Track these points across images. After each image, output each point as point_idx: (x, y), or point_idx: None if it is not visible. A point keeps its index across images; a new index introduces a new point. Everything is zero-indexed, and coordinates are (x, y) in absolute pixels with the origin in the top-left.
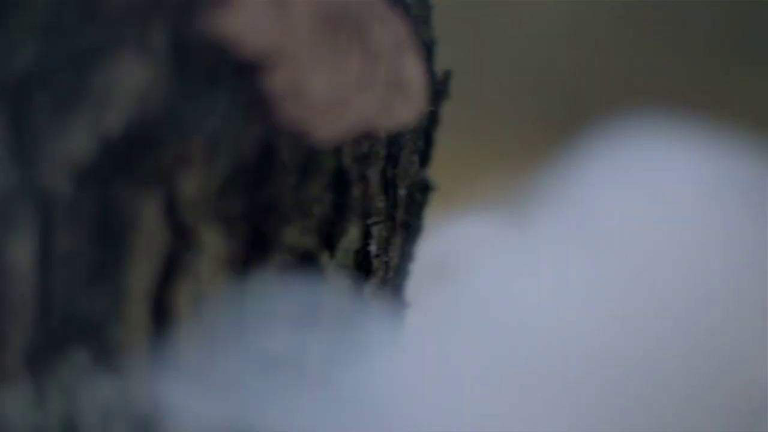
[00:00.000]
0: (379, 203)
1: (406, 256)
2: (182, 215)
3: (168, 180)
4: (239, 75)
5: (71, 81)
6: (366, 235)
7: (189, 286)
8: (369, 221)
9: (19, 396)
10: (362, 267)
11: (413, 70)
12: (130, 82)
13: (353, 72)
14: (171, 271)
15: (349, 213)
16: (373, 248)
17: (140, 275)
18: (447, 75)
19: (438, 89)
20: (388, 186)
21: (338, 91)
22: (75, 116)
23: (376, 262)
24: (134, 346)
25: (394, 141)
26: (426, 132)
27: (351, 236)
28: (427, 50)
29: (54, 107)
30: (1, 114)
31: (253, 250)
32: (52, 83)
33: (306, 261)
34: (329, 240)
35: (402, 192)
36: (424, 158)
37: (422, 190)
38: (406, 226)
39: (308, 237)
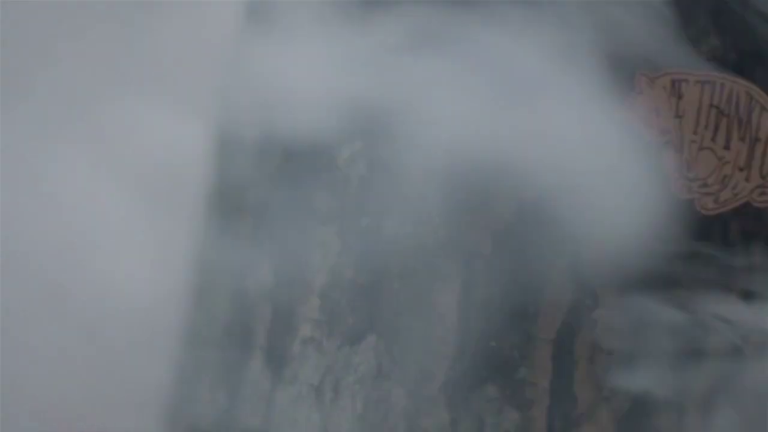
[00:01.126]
0: None
1: None
2: (585, 275)
3: (575, 246)
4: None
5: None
6: None
7: (587, 336)
8: None
9: (436, 422)
10: None
11: None
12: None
13: (734, 153)
14: (572, 321)
15: None
16: None
17: (547, 324)
18: None
19: None
20: None
21: (720, 169)
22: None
23: None
24: (538, 385)
25: None
26: None
27: None
28: None
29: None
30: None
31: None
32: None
33: None
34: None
35: None
36: None
37: None
38: None
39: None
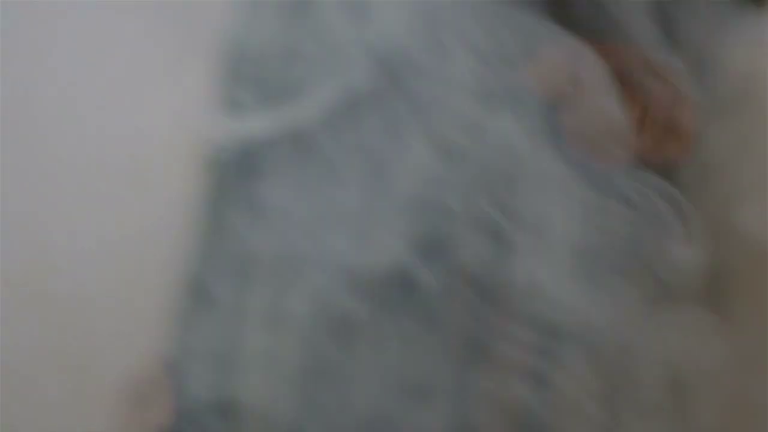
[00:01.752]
0: None
1: None
2: None
3: None
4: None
5: None
6: None
7: None
8: None
9: None
10: None
11: (685, 119)
12: None
13: (629, 116)
14: None
15: None
16: None
17: None
18: None
19: None
20: None
21: (614, 130)
22: None
23: None
24: None
25: None
26: None
27: None
28: None
29: None
30: None
31: None
32: None
33: None
34: None
35: None
36: None
37: None
38: None
39: None
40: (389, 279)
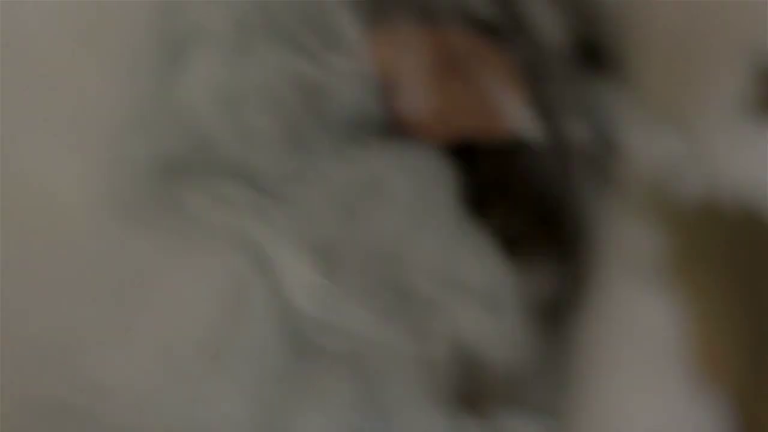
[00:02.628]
0: None
1: None
2: None
3: None
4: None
5: None
6: None
7: None
8: None
9: None
10: None
11: (508, 96)
12: None
13: (456, 95)
14: None
15: None
16: None
17: None
18: None
19: None
20: None
21: (444, 110)
22: None
23: None
24: None
25: None
26: None
27: None
28: None
29: None
30: None
31: None
32: None
33: None
34: None
35: None
36: None
37: None
38: None
39: None
40: None
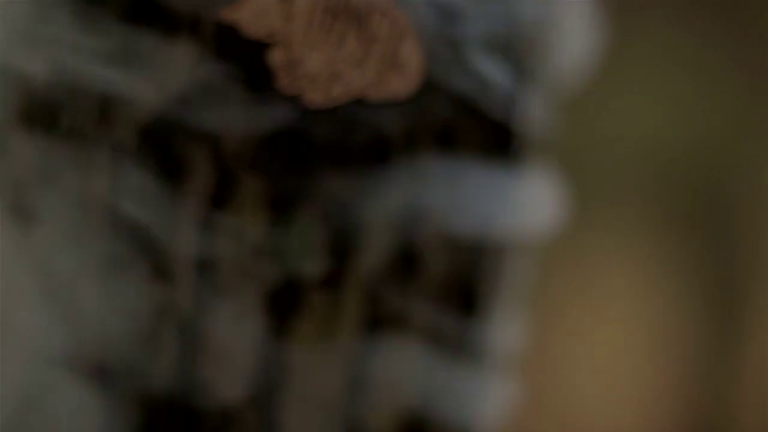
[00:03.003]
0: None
1: None
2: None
3: (213, 139)
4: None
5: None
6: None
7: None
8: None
9: None
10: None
11: (410, 52)
12: (184, 61)
13: (348, 51)
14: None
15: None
16: None
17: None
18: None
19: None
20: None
21: (331, 65)
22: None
23: None
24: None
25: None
26: None
27: None
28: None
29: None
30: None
31: (294, 195)
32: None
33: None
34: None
35: None
36: None
37: None
38: None
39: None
40: None
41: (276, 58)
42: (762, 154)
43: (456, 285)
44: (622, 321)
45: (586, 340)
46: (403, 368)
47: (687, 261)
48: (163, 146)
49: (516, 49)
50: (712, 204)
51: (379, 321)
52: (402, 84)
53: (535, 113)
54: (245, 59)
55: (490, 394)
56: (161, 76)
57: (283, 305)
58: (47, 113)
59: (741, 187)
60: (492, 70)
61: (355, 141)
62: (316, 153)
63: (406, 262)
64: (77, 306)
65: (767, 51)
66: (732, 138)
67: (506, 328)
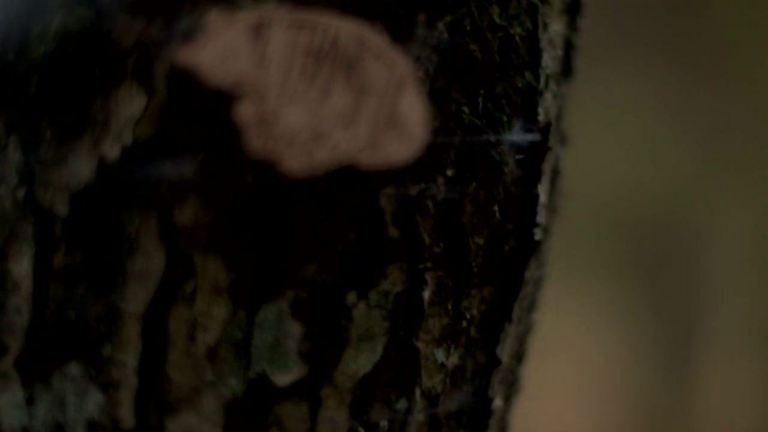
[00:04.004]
0: (435, 248)
1: (500, 314)
2: (177, 242)
3: (163, 207)
4: (211, 106)
5: (74, 110)
6: (416, 280)
7: (183, 312)
8: (420, 266)
9: (9, 398)
10: (407, 314)
11: (411, 107)
12: (127, 111)
13: (334, 107)
14: (165, 296)
15: (385, 254)
16: (425, 294)
17: (134, 296)
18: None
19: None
20: (451, 232)
21: (314, 124)
22: (76, 143)
23: (431, 310)
24: (126, 365)
25: (453, 184)
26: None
27: (391, 278)
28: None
29: (57, 134)
30: (12, 138)
31: (261, 282)
32: (56, 112)
33: (327, 298)
34: (360, 279)
35: (478, 241)
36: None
37: (523, 239)
38: (497, 280)
39: (329, 274)
40: None
41: (245, 112)
42: (719, 204)
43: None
44: (576, 364)
45: (540, 381)
46: None
47: (641, 306)
48: (101, 217)
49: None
50: (669, 250)
51: None
52: (402, 147)
53: None
54: (206, 113)
55: None
56: (98, 132)
57: (245, 419)
58: None
59: (698, 233)
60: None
61: (342, 219)
62: (292, 233)
63: (400, 366)
64: None
65: (728, 95)
66: (690, 186)
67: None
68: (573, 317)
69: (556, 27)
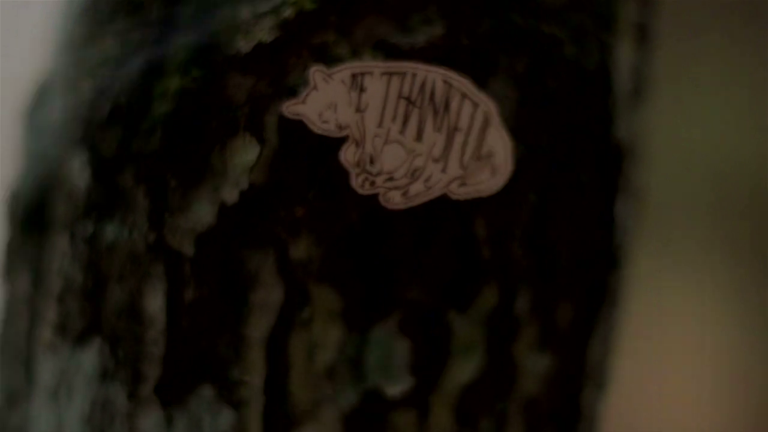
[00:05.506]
0: (524, 266)
1: (588, 321)
2: (294, 275)
3: (279, 244)
4: (318, 151)
5: (194, 161)
6: (508, 296)
7: (302, 337)
8: (511, 282)
9: (151, 420)
10: (502, 326)
11: (497, 143)
12: (242, 160)
13: (426, 144)
14: (285, 322)
15: (479, 275)
16: (518, 307)
17: (257, 323)
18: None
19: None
20: (539, 249)
21: (409, 161)
22: (198, 190)
23: (524, 321)
24: (253, 385)
25: (537, 208)
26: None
27: (486, 296)
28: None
29: (181, 183)
30: (141, 188)
31: (370, 306)
32: (179, 163)
33: (431, 316)
34: (459, 298)
35: (564, 256)
36: (605, 226)
37: (608, 256)
38: (583, 291)
39: (431, 295)
40: None
41: (347, 155)
42: None
43: (552, 403)
44: (690, 349)
45: (655, 368)
46: None
47: (750, 285)
48: (224, 256)
49: None
50: None
51: None
52: (490, 178)
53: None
54: (313, 158)
55: None
56: (218, 180)
57: (361, 428)
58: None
59: None
60: None
61: (440, 246)
62: (396, 260)
63: (499, 373)
64: None
65: None
66: None
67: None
68: (686, 299)
69: (626, 57)
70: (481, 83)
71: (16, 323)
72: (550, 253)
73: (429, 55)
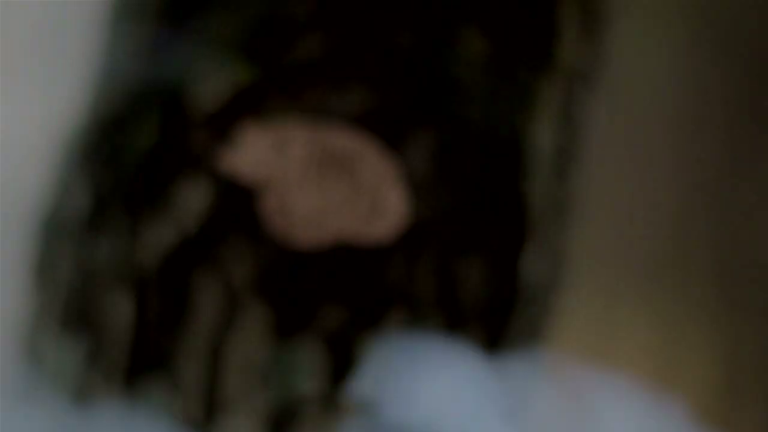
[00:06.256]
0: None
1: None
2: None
3: (224, 267)
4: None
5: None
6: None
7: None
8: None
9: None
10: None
11: (393, 199)
12: (197, 203)
13: (337, 198)
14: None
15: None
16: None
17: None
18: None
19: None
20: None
21: (320, 212)
22: (162, 221)
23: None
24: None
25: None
26: None
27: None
28: None
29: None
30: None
31: (288, 322)
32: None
33: (342, 335)
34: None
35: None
36: None
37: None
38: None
39: (343, 315)
40: None
41: (270, 203)
42: None
43: None
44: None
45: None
46: None
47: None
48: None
49: None
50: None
51: None
52: (384, 228)
53: None
54: (242, 202)
55: None
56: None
57: (284, 420)
58: None
59: None
60: None
61: (347, 278)
62: (306, 290)
63: None
64: None
65: None
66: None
67: None
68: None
69: (543, 130)
70: (391, 148)
71: None
72: (453, 283)
73: (346, 121)
